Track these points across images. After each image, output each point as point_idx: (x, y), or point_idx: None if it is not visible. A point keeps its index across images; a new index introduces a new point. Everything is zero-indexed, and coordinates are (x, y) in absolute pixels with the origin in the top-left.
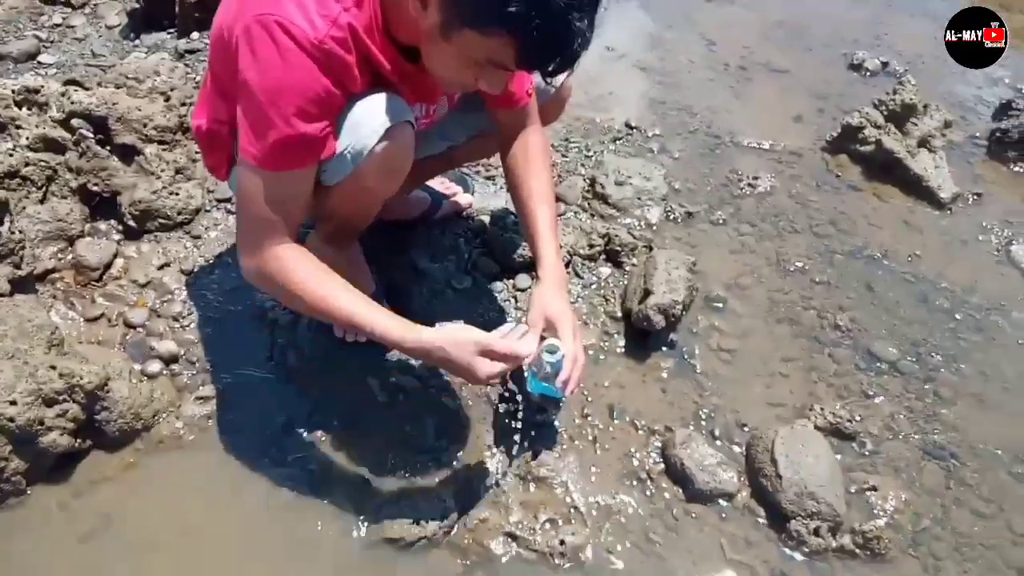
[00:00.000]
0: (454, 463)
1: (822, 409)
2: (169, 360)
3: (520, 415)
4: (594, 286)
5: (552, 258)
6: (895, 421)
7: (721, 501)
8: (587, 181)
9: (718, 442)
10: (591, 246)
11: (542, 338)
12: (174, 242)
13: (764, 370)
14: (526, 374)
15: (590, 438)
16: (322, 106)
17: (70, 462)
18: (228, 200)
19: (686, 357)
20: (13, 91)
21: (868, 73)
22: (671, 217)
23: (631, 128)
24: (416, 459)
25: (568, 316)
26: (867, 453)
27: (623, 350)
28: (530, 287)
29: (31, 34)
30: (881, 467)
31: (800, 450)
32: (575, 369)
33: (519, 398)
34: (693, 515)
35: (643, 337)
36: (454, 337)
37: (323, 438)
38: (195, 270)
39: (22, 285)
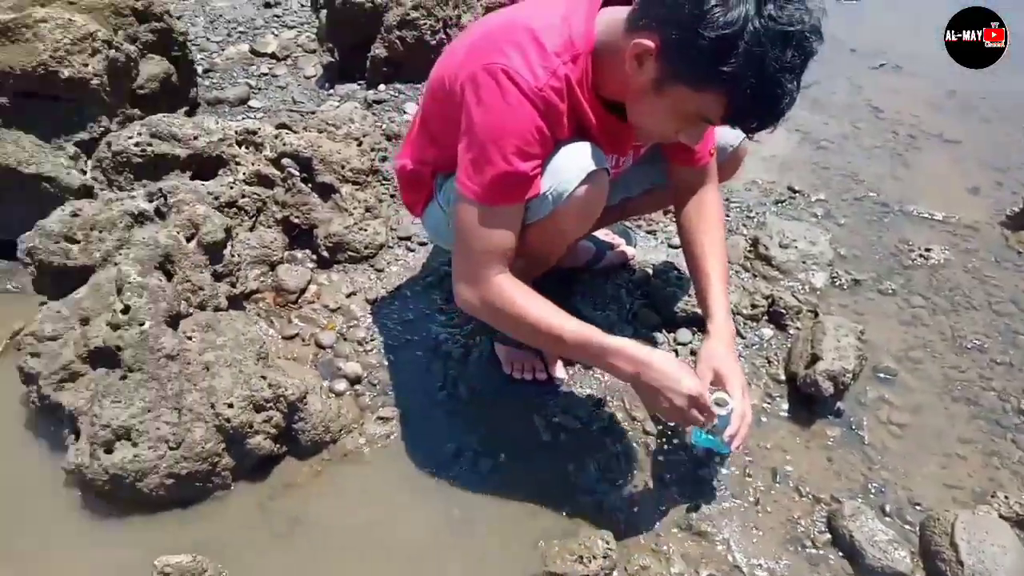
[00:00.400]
0: (616, 506)
1: (1006, 498)
2: (354, 381)
3: (682, 467)
4: (756, 347)
5: (723, 314)
6: None
7: None
8: (749, 241)
9: (888, 519)
10: (754, 306)
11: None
12: (360, 273)
13: (939, 449)
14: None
15: (752, 499)
16: (538, 146)
17: (268, 465)
18: (408, 239)
19: (853, 427)
20: (236, 132)
21: None
22: (837, 283)
23: (794, 192)
24: (579, 499)
25: (738, 372)
26: None
27: (787, 414)
28: (691, 342)
29: (243, 82)
30: None
31: (984, 538)
32: (743, 426)
33: (682, 450)
34: None
35: (808, 403)
36: (664, 351)
37: (490, 469)
38: (378, 300)
39: (235, 302)
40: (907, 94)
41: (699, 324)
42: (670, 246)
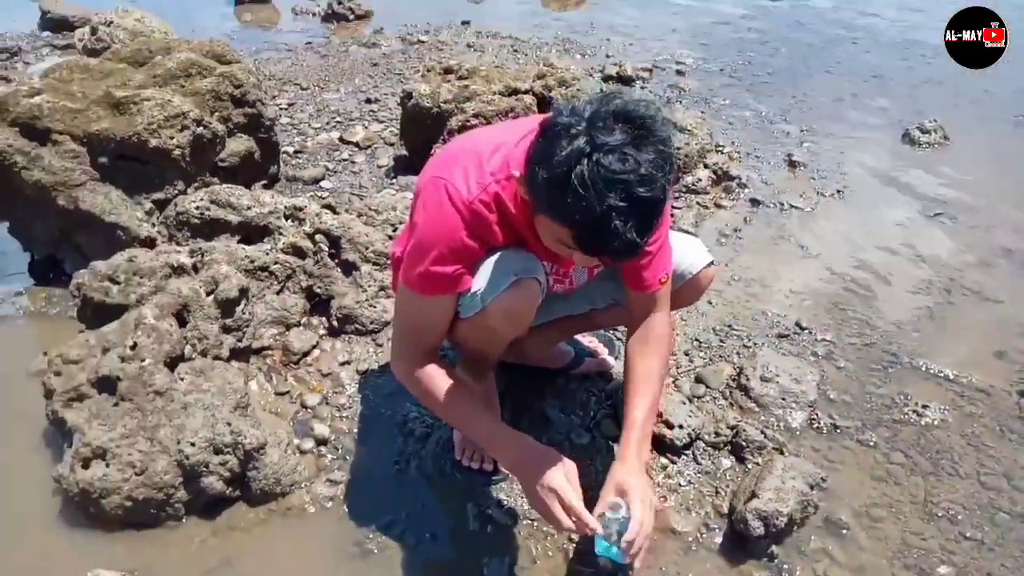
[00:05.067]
0: None
1: None
2: (320, 442)
3: None
4: (709, 475)
5: (635, 445)
6: None
7: None
8: (736, 369)
9: None
10: (717, 434)
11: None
12: (361, 345)
13: None
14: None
15: None
16: (457, 255)
17: (220, 506)
18: None
19: None
20: (285, 207)
21: None
22: (815, 425)
23: (801, 328)
24: None
25: (642, 487)
26: None
27: (717, 547)
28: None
29: (323, 164)
30: None
31: None
32: (640, 536)
33: (591, 560)
34: None
35: (742, 541)
36: (550, 454)
37: (413, 545)
38: (368, 372)
39: (240, 355)
40: (957, 247)
41: (657, 441)
42: None
